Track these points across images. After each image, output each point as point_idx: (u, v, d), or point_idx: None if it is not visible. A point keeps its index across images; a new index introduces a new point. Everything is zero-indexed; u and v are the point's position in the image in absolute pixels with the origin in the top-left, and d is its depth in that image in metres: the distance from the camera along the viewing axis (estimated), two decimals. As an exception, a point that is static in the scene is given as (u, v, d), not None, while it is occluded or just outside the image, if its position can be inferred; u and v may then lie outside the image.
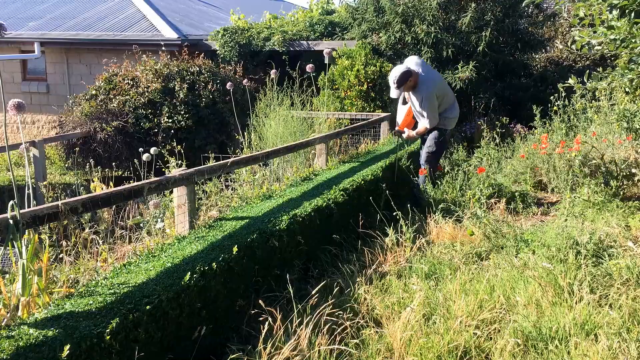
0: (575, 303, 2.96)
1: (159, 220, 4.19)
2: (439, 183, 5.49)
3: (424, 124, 5.55)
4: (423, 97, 5.38)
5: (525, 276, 3.31)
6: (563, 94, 7.02)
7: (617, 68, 4.18)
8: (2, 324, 2.45)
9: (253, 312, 2.86)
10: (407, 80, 5.30)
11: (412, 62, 5.50)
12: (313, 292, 2.85)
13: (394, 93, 5.43)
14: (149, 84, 9.13)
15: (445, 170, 6.06)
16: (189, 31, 12.32)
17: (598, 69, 4.66)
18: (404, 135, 5.75)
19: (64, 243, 3.80)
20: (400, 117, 5.87)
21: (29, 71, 12.94)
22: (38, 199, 5.27)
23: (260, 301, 2.80)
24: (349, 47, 9.95)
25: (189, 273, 2.56)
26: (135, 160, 6.02)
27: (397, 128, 5.88)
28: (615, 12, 3.91)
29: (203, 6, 16.97)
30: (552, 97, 7.35)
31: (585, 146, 5.63)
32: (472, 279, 3.38)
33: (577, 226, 4.07)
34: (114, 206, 4.37)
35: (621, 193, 5.12)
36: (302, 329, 2.59)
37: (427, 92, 5.36)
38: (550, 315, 2.89)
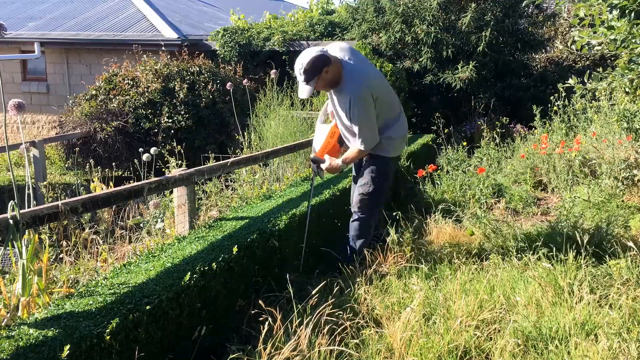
0: (575, 303, 2.96)
1: (159, 220, 4.19)
2: (439, 183, 5.48)
3: (356, 145, 3.53)
4: (351, 99, 3.38)
5: (525, 276, 3.31)
6: (563, 94, 7.02)
7: (617, 68, 4.17)
8: (2, 324, 2.46)
9: (253, 312, 2.86)
10: (321, 70, 3.34)
11: (335, 47, 3.57)
12: (313, 292, 2.85)
13: (303, 92, 3.38)
14: (149, 84, 9.13)
15: (445, 170, 6.05)
16: (189, 31, 12.33)
17: (598, 69, 4.65)
18: (324, 166, 3.65)
19: (64, 243, 3.80)
20: (320, 139, 3.79)
21: (29, 71, 12.95)
22: (38, 199, 5.27)
23: (260, 301, 2.80)
24: (349, 47, 9.94)
25: (189, 273, 2.56)
26: (135, 161, 6.02)
27: (312, 155, 3.80)
28: (615, 12, 3.90)
29: (203, 6, 16.99)
30: (552, 97, 7.36)
31: (585, 146, 5.63)
32: (472, 279, 3.37)
33: (577, 226, 4.07)
34: (114, 206, 4.38)
35: (621, 194, 5.12)
36: (302, 329, 2.59)
37: (356, 91, 3.39)
38: (550, 315, 2.89)
